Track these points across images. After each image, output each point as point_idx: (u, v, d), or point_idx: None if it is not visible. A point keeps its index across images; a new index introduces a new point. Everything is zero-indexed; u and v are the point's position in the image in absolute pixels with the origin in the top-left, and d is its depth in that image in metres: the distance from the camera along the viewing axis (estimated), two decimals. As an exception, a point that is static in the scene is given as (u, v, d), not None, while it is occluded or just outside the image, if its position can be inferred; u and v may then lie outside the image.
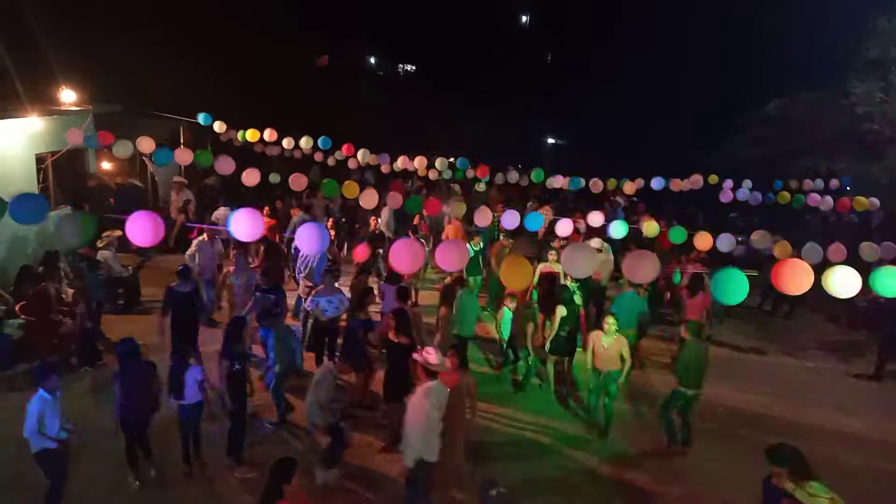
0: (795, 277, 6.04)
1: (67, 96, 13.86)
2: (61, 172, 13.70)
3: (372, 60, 34.56)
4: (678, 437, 7.98)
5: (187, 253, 10.84)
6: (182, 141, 17.66)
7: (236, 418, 6.92)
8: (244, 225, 6.48)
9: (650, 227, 11.55)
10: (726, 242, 10.20)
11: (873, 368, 10.66)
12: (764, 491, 5.01)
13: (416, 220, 13.79)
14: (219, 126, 15.54)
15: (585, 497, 6.93)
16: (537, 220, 11.14)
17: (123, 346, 6.59)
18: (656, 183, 15.71)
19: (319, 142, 16.08)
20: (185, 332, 8.26)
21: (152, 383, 6.59)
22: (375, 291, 9.94)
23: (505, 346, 9.48)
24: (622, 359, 7.93)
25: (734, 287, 6.07)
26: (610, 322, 7.91)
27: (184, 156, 12.76)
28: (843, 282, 6.19)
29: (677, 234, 10.79)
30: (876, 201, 14.67)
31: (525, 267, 6.34)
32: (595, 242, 11.96)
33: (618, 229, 10.64)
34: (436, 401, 5.83)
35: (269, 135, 15.41)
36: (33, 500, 5.94)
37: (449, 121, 25.07)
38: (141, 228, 6.05)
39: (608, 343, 7.88)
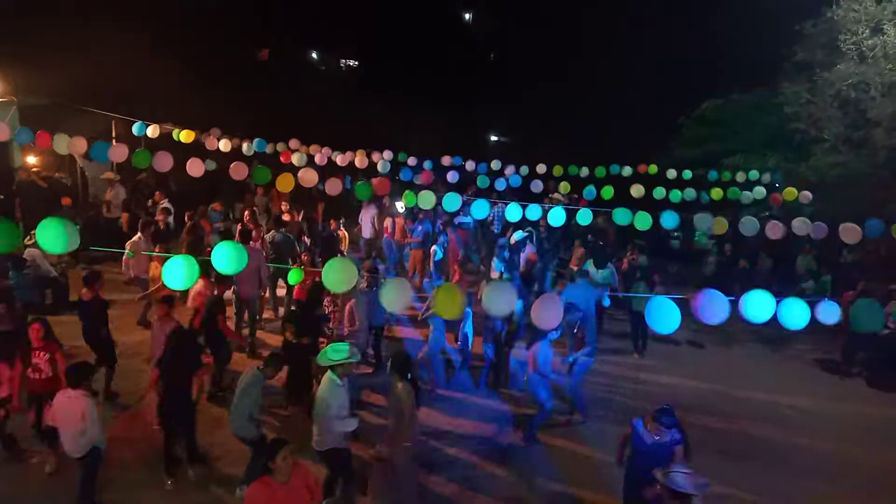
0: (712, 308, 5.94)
1: (-11, 86, 13.18)
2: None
3: (314, 55, 34.01)
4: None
5: (123, 257, 10.47)
6: (114, 136, 17.00)
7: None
8: (179, 274, 6.04)
9: (583, 215, 11.75)
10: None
11: None
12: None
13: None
14: (152, 131, 15.15)
15: None
16: (483, 207, 11.35)
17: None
18: (588, 194, 16.49)
19: (255, 144, 15.94)
20: (91, 341, 8.17)
21: None
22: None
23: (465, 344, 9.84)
24: None
25: (667, 317, 5.98)
26: None
27: (118, 152, 12.17)
28: (756, 307, 6.04)
29: (622, 216, 11.20)
30: (808, 194, 15.28)
31: (458, 298, 6.16)
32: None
33: (556, 217, 11.05)
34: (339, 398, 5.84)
35: (209, 143, 15.31)
36: None
37: (392, 116, 24.91)
38: None
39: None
